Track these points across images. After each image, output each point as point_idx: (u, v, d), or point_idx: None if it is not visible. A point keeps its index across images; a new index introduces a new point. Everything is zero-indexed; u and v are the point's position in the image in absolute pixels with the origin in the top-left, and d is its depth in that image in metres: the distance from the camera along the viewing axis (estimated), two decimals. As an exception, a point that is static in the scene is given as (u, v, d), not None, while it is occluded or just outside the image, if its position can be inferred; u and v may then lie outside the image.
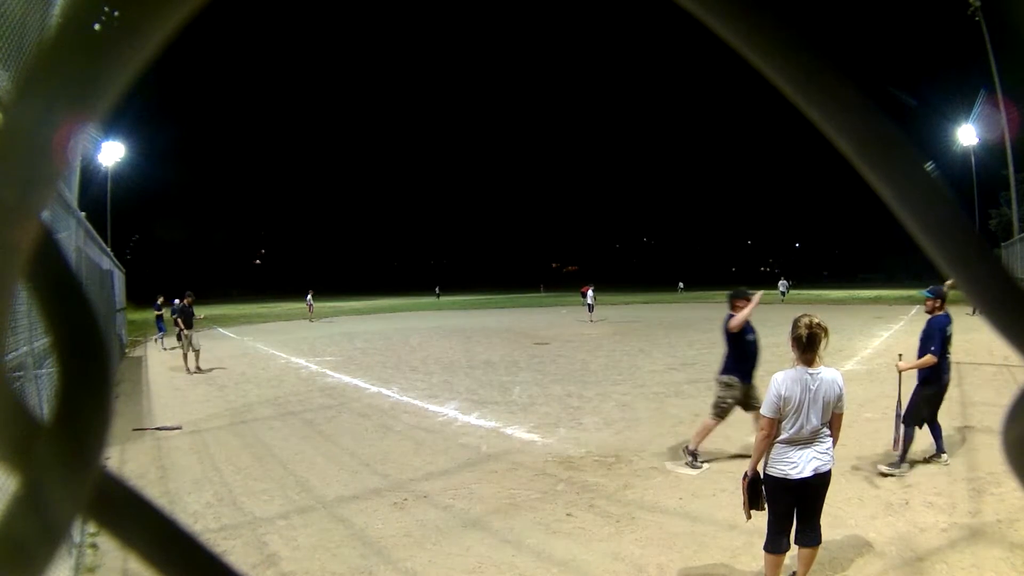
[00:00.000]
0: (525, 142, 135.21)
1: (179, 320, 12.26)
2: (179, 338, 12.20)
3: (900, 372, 5.08)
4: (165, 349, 16.06)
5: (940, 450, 4.97)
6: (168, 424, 7.22)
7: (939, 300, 5.02)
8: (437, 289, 53.70)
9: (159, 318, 17.26)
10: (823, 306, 26.27)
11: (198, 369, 11.71)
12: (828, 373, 2.92)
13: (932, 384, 4.91)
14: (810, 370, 2.89)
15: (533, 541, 3.80)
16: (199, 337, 12.09)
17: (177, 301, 18.25)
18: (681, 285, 52.58)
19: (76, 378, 0.22)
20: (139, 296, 18.91)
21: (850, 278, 70.00)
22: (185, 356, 11.82)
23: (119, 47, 0.19)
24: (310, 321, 26.34)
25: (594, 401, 8.04)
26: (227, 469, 5.46)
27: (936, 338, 4.82)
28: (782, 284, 34.87)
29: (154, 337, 17.07)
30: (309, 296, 28.87)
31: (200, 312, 13.57)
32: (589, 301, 23.42)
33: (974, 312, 17.29)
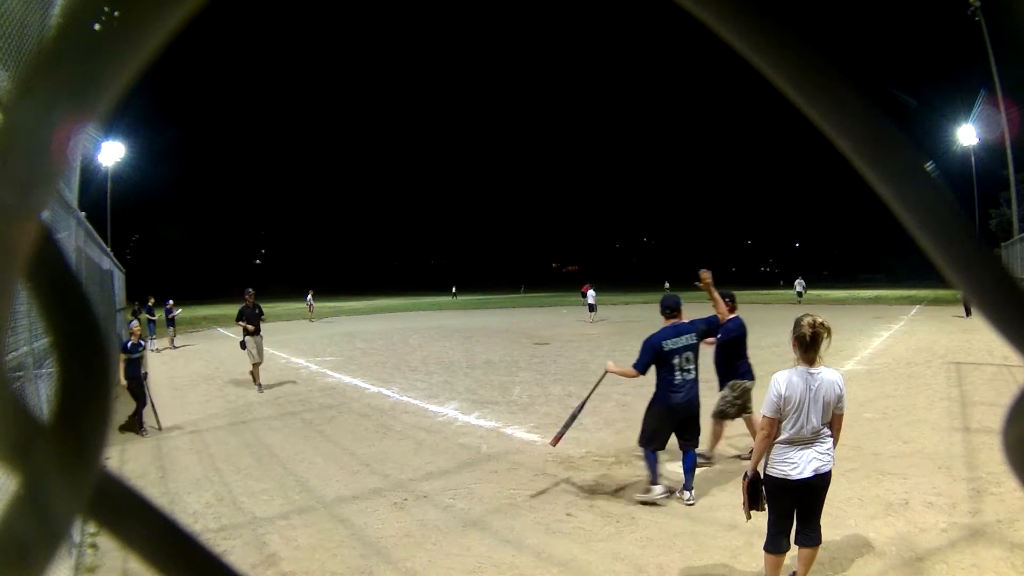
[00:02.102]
0: (526, 142, 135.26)
1: (243, 323, 9.56)
2: (243, 346, 9.50)
3: (606, 372, 4.75)
4: (157, 351, 15.42)
5: (685, 487, 4.37)
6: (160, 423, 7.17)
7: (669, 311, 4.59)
8: (454, 289, 52.92)
9: (150, 322, 16.40)
10: (823, 306, 26.28)
11: (259, 386, 9.42)
12: (829, 374, 2.92)
13: (655, 403, 4.47)
14: (811, 370, 2.89)
15: (533, 541, 3.80)
16: (253, 344, 9.46)
17: (171, 302, 18.24)
18: (667, 285, 50.60)
19: (76, 378, 0.22)
20: (139, 296, 18.89)
21: (851, 278, 69.90)
22: (254, 368, 9.50)
23: (119, 47, 0.19)
24: (310, 321, 26.32)
25: (594, 401, 7.99)
26: (227, 469, 5.46)
27: (643, 352, 4.38)
28: (799, 284, 31.97)
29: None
30: (309, 296, 28.84)
31: (201, 312, 13.17)
32: (591, 301, 22.84)
33: (967, 314, 17.35)
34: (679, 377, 4.35)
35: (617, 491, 4.63)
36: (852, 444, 5.51)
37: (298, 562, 3.59)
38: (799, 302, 29.77)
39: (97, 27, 0.18)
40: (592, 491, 4.65)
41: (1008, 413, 0.24)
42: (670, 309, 4.54)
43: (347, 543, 3.84)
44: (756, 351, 12.43)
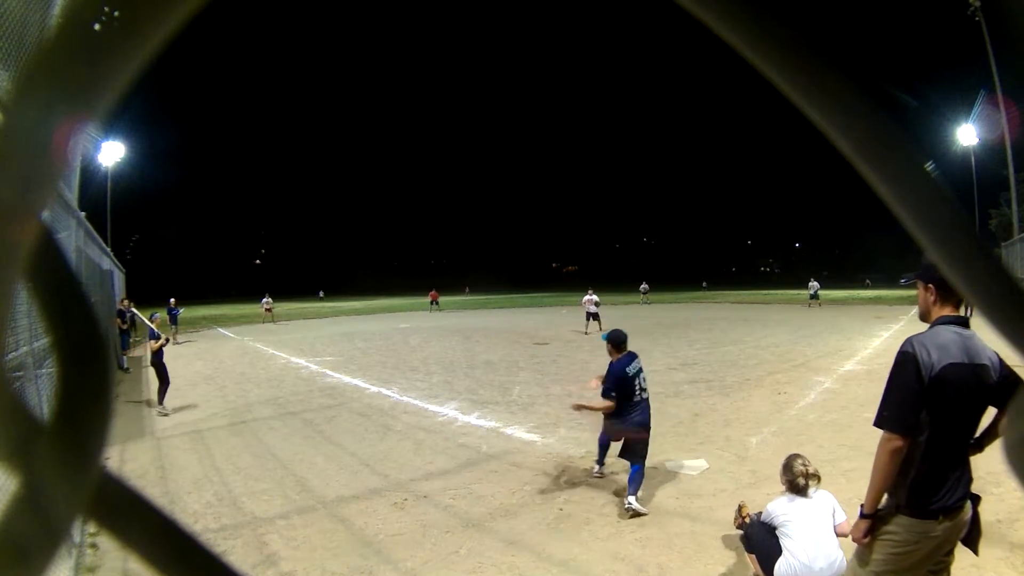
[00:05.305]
0: (526, 143, 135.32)
1: None
2: None
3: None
4: (124, 368, 12.44)
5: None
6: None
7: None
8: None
9: (125, 333, 13.57)
10: (823, 306, 26.27)
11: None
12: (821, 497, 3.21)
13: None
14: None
15: (533, 541, 3.80)
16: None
17: (172, 300, 18.32)
18: (645, 288, 36.65)
19: (76, 378, 0.22)
20: (139, 296, 18.90)
21: (851, 278, 69.74)
22: None
23: (119, 47, 0.19)
24: (272, 323, 25.14)
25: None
26: (227, 469, 5.46)
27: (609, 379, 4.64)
28: (812, 285, 28.48)
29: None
30: (266, 298, 26.75)
31: (200, 312, 13.07)
32: (592, 309, 18.18)
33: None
34: (638, 396, 4.65)
35: (617, 491, 4.63)
36: (852, 444, 5.51)
37: (298, 562, 3.59)
38: (818, 304, 26.89)
39: (97, 27, 0.18)
40: (592, 491, 4.64)
41: (1008, 413, 0.24)
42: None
43: (347, 543, 3.84)
44: (756, 351, 12.51)
